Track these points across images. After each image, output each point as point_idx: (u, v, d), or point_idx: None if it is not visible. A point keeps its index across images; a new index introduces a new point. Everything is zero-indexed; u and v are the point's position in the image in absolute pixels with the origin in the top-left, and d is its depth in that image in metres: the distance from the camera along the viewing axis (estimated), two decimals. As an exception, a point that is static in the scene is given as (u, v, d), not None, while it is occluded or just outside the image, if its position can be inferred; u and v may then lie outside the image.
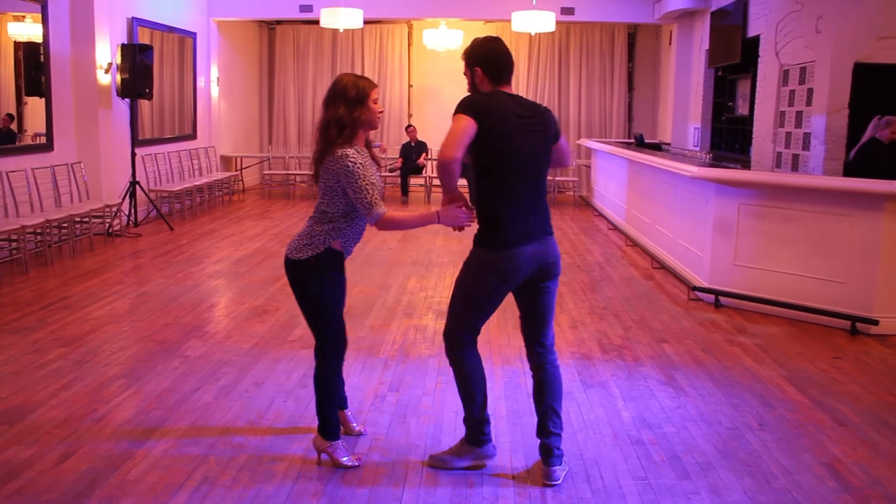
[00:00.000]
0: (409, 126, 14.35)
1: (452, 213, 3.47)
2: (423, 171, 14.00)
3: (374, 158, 3.66)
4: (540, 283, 3.62)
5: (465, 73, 3.55)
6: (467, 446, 3.65)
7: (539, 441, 3.61)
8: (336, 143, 3.48)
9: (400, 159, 14.05)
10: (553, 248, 3.63)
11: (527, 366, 5.08)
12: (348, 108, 3.50)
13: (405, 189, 13.80)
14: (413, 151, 13.95)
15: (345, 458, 3.66)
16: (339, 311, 3.71)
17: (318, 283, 3.60)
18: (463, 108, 3.34)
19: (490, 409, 4.32)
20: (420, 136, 14.06)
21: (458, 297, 3.59)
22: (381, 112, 3.64)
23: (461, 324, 3.59)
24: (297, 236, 3.64)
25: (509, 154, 3.40)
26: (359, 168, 3.42)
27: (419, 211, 3.56)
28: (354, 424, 4.01)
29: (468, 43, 3.59)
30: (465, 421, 3.65)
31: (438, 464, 3.65)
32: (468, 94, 3.50)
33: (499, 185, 3.43)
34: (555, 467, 3.55)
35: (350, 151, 3.45)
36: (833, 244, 6.08)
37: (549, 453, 3.57)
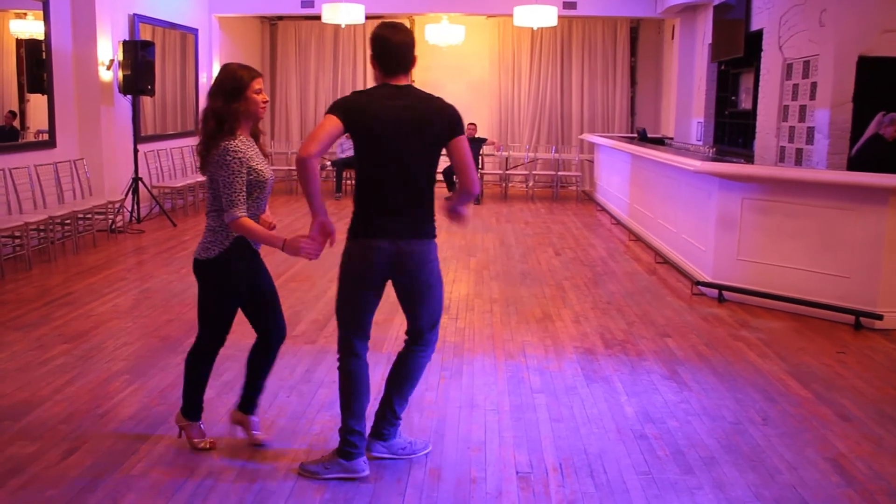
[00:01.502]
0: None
1: (296, 244, 3.38)
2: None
3: (261, 150, 3.64)
4: (397, 279, 3.52)
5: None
6: (336, 457, 3.50)
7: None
8: (218, 136, 3.44)
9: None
10: (411, 250, 3.46)
11: (530, 361, 5.10)
12: (226, 99, 3.46)
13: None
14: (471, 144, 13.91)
15: (196, 440, 3.75)
16: (230, 315, 3.68)
17: (223, 283, 3.59)
18: (331, 107, 3.32)
19: (493, 404, 4.33)
20: None
21: (338, 295, 3.54)
22: (265, 102, 3.55)
23: (343, 322, 3.52)
24: (202, 237, 3.60)
25: (374, 154, 3.36)
26: (235, 164, 3.38)
27: (270, 232, 3.51)
28: (256, 433, 3.83)
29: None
30: (344, 432, 3.50)
31: (307, 474, 3.50)
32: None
33: (365, 182, 3.42)
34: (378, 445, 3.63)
35: (231, 145, 3.41)
36: (837, 239, 6.06)
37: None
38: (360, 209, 3.42)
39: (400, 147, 3.35)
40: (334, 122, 3.27)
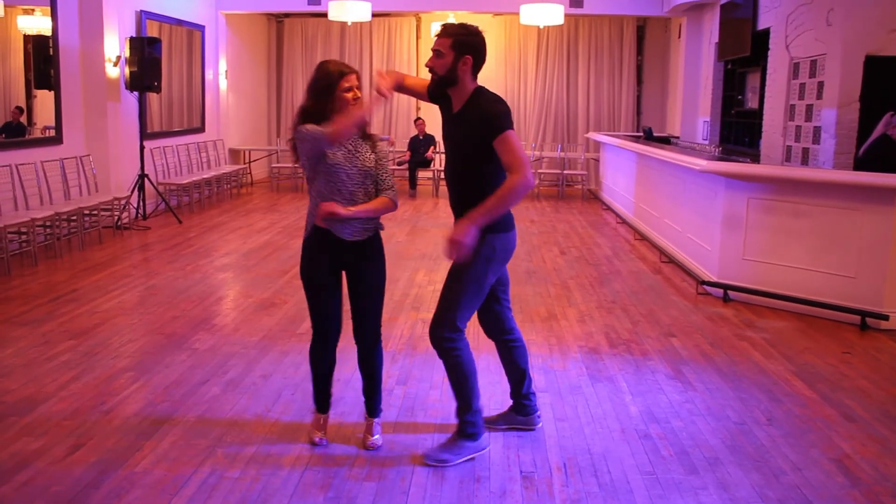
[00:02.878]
0: (418, 119, 14.33)
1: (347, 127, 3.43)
2: (432, 165, 13.97)
3: (370, 145, 3.65)
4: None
5: (441, 51, 3.49)
6: (460, 440, 3.67)
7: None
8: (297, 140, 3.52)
9: (408, 152, 14.02)
10: None
11: (534, 360, 5.10)
12: (316, 97, 3.49)
13: (413, 182, 13.79)
14: (421, 144, 13.93)
15: (314, 435, 3.81)
16: (321, 297, 3.67)
17: (304, 262, 3.67)
18: (508, 121, 3.43)
19: (497, 404, 4.34)
20: (428, 130, 14.03)
21: (462, 285, 3.58)
22: (356, 99, 3.52)
23: (461, 314, 3.59)
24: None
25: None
26: (303, 129, 3.43)
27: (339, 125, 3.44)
28: (374, 437, 3.81)
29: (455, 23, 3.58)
30: (467, 415, 3.67)
31: (437, 463, 3.61)
32: (438, 72, 3.52)
33: (501, 172, 3.49)
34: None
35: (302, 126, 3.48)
36: (843, 239, 6.04)
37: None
38: None
39: None
40: (517, 136, 3.48)
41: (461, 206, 3.60)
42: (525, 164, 3.39)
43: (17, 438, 3.79)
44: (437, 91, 3.68)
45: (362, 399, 3.89)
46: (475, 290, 3.60)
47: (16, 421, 3.99)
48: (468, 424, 3.67)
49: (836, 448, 3.87)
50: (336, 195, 3.53)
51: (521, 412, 3.98)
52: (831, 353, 5.36)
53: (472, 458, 3.67)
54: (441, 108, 3.74)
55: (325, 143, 3.43)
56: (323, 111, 3.47)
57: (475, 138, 3.46)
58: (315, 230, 3.57)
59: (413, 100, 15.66)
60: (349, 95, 3.49)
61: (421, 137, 13.97)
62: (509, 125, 3.43)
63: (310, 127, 3.44)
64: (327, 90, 3.47)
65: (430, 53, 3.59)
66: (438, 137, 14.06)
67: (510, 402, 4.04)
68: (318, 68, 3.56)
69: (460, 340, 3.60)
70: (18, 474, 3.44)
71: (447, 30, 3.54)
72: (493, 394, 4.49)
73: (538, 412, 4.01)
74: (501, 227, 3.55)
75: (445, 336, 3.58)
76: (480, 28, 3.60)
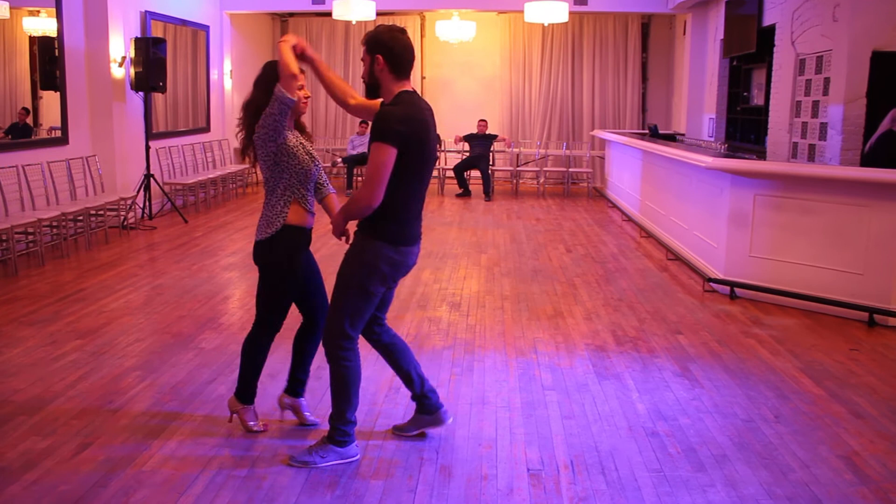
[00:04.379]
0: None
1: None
2: (436, 163, 13.96)
3: (306, 140, 3.79)
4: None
5: (362, 59, 3.50)
6: (328, 445, 3.61)
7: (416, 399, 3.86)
8: (255, 126, 3.61)
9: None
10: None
11: (541, 358, 5.10)
12: (266, 92, 3.57)
13: None
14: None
15: (251, 423, 3.88)
16: (295, 292, 3.81)
17: (280, 263, 3.72)
18: (390, 135, 3.27)
19: (504, 401, 4.34)
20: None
21: (353, 290, 3.51)
22: (306, 97, 3.65)
23: (355, 322, 3.54)
24: (259, 219, 3.80)
25: (423, 166, 3.47)
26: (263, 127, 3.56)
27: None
28: (307, 414, 4.01)
29: (373, 31, 3.52)
30: (341, 422, 3.61)
31: (299, 464, 3.56)
32: (364, 79, 3.50)
33: (407, 192, 3.44)
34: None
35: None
36: (850, 235, 6.02)
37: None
38: (398, 217, 3.45)
39: (434, 155, 3.55)
40: (392, 154, 3.30)
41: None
42: (376, 183, 3.27)
43: (25, 438, 3.80)
44: (368, 102, 3.69)
45: (368, 397, 3.89)
46: (359, 295, 3.49)
47: (24, 420, 4.00)
48: (338, 432, 3.58)
49: (844, 445, 3.86)
50: (305, 188, 3.71)
51: (425, 411, 3.85)
52: (839, 349, 5.35)
53: (340, 464, 3.57)
54: None
55: (287, 85, 3.49)
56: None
57: (371, 143, 3.39)
58: (286, 229, 3.67)
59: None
60: (301, 93, 3.61)
61: (403, 144, 13.87)
62: (391, 139, 3.26)
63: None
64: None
65: (434, 52, 3.60)
66: (443, 136, 14.08)
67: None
68: (266, 66, 3.67)
69: (352, 350, 3.54)
70: (27, 473, 3.45)
71: (364, 36, 3.51)
72: (500, 391, 4.48)
73: (443, 407, 3.87)
74: (391, 238, 3.44)
75: (338, 343, 3.52)
76: (401, 28, 3.54)
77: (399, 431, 3.92)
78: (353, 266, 3.49)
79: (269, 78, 3.61)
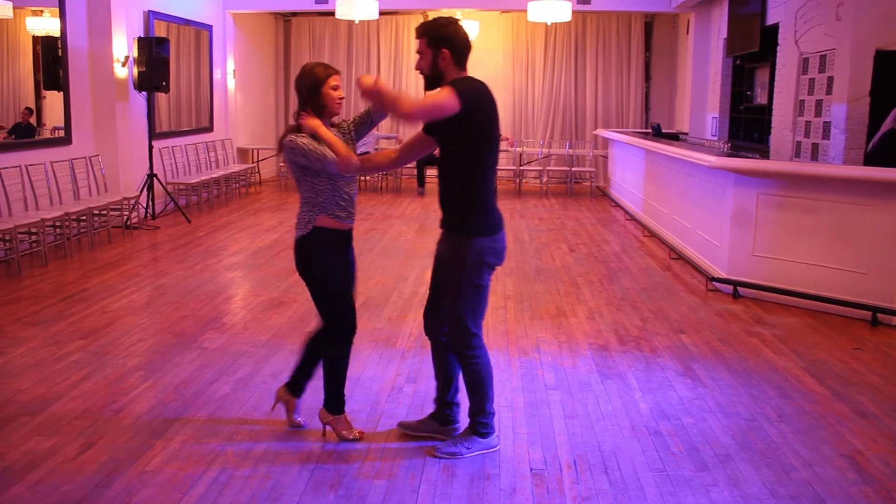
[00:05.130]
0: (482, 98, 14.27)
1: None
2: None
3: (351, 130, 3.81)
4: None
5: (419, 50, 3.54)
6: (472, 436, 3.71)
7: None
8: (293, 131, 3.63)
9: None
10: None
11: (544, 357, 5.10)
12: (304, 97, 3.62)
13: (421, 180, 13.77)
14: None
15: (345, 432, 3.82)
16: (347, 293, 3.77)
17: (315, 262, 3.69)
18: (461, 92, 3.37)
19: (507, 401, 4.34)
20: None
21: (467, 290, 3.58)
22: (340, 98, 3.68)
23: (476, 318, 3.63)
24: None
25: (493, 148, 3.59)
26: (299, 145, 3.54)
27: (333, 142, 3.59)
28: (296, 416, 3.97)
29: (427, 23, 3.58)
30: (482, 416, 3.70)
31: (447, 455, 3.66)
32: (424, 71, 3.54)
33: (486, 175, 3.55)
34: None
35: (291, 136, 3.59)
36: (854, 234, 6.01)
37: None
38: (485, 207, 3.56)
39: (499, 140, 3.62)
40: (453, 104, 3.36)
41: (443, 201, 3.64)
42: (423, 109, 3.37)
43: (28, 438, 3.81)
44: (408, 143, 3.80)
45: (372, 397, 3.89)
46: (474, 292, 3.59)
47: (27, 420, 4.01)
48: (480, 425, 3.70)
49: (847, 444, 3.85)
50: (332, 201, 3.68)
51: (443, 421, 3.86)
52: (842, 349, 5.34)
53: (482, 454, 3.68)
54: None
55: (333, 167, 3.55)
56: (315, 110, 3.61)
57: (450, 128, 3.46)
58: (316, 231, 3.65)
59: (420, 94, 15.65)
60: (336, 94, 3.64)
61: (465, 113, 13.88)
62: (461, 95, 3.34)
63: (306, 142, 3.55)
64: (315, 89, 3.61)
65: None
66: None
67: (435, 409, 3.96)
68: (303, 70, 3.68)
69: (480, 348, 3.64)
70: (30, 473, 3.45)
71: (420, 29, 3.56)
72: (503, 391, 4.49)
73: (457, 424, 3.86)
74: (484, 231, 3.55)
75: (467, 344, 3.60)
76: (456, 18, 3.64)
77: (406, 429, 3.93)
78: (459, 268, 3.56)
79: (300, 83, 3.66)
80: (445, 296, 3.64)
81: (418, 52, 3.56)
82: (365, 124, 3.84)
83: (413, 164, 13.82)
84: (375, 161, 4.03)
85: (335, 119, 3.78)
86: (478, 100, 3.44)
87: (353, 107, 15.65)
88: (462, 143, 3.48)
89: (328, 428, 3.85)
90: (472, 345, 3.61)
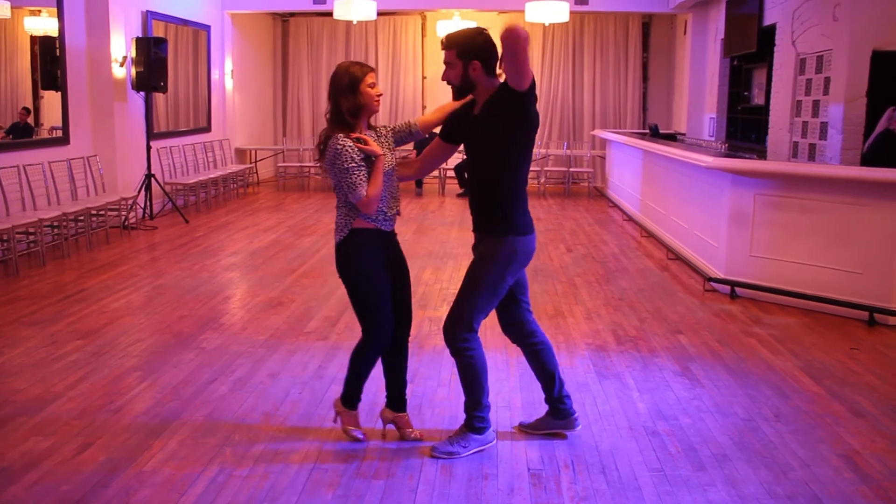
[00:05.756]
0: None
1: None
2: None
3: (390, 137, 3.78)
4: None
5: (448, 61, 3.55)
6: (467, 433, 3.72)
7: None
8: (336, 131, 3.57)
9: (414, 151, 13.99)
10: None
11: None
12: (343, 96, 3.56)
13: (419, 181, 13.78)
14: (427, 143, 13.89)
15: (351, 429, 3.82)
16: (383, 295, 3.70)
17: (351, 265, 3.66)
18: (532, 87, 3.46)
19: (505, 401, 4.35)
20: (434, 129, 14.00)
21: (487, 288, 3.62)
22: (379, 96, 3.65)
23: (481, 313, 3.66)
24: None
25: (530, 150, 3.69)
26: (346, 151, 3.49)
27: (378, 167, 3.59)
28: (409, 429, 3.89)
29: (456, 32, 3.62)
30: (478, 410, 3.72)
31: (444, 455, 3.67)
32: (454, 83, 3.58)
33: (523, 177, 3.66)
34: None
35: (339, 136, 3.53)
36: (851, 234, 6.02)
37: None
38: (521, 206, 3.62)
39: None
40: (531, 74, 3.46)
41: (480, 210, 3.65)
42: (526, 70, 3.39)
43: (26, 438, 3.81)
44: (453, 122, 3.80)
45: (370, 397, 3.88)
46: (492, 291, 3.63)
47: (25, 421, 4.01)
48: (476, 419, 3.71)
49: (844, 444, 3.86)
50: (387, 196, 3.67)
51: (558, 416, 3.90)
52: (839, 348, 5.35)
53: (481, 451, 3.70)
54: (459, 127, 3.75)
55: (353, 198, 3.53)
56: (351, 108, 3.56)
57: (503, 122, 3.50)
58: (355, 232, 3.61)
59: (419, 98, 15.68)
60: (373, 91, 3.60)
61: (427, 136, 13.92)
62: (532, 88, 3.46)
63: (355, 158, 3.51)
64: (353, 87, 3.56)
65: (442, 63, 3.67)
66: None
67: (545, 407, 3.99)
68: (338, 70, 3.62)
69: (474, 340, 3.65)
70: (28, 474, 3.46)
71: (450, 40, 3.58)
72: (500, 391, 4.50)
73: (576, 414, 3.92)
74: (522, 230, 3.61)
75: (461, 336, 3.62)
76: (484, 27, 3.65)
77: (526, 429, 3.96)
78: (489, 266, 3.59)
79: (337, 84, 3.61)
80: (462, 288, 3.66)
81: (446, 62, 3.58)
82: (404, 137, 3.84)
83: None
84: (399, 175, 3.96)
85: (372, 120, 3.77)
86: (534, 103, 3.57)
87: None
88: (509, 143, 3.54)
89: (339, 420, 3.87)
90: (464, 338, 3.61)
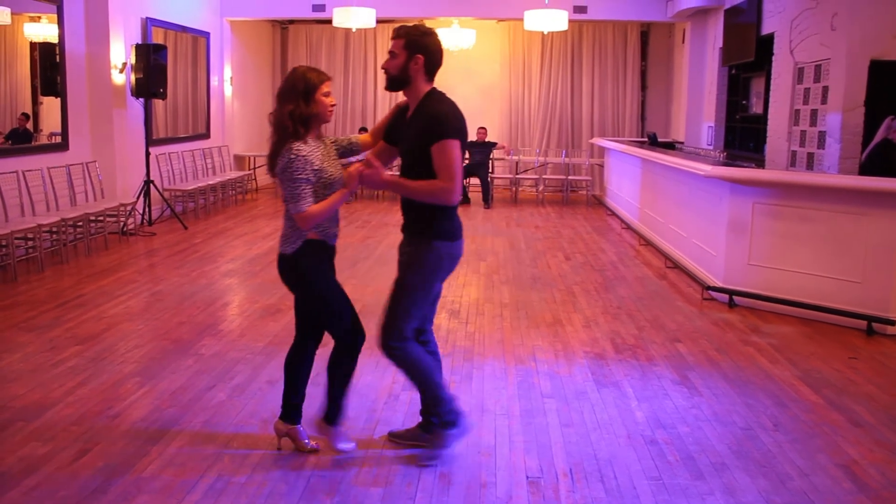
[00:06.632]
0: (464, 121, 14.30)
1: (354, 174, 3.45)
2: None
3: (333, 149, 3.71)
4: None
5: (394, 52, 3.51)
6: (446, 431, 3.68)
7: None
8: (285, 140, 3.48)
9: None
10: None
11: (540, 365, 5.10)
12: (298, 103, 3.47)
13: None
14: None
15: (304, 441, 3.76)
16: (344, 301, 3.68)
17: (310, 276, 3.61)
18: (453, 132, 3.43)
19: (503, 409, 4.35)
20: (370, 147, 13.96)
21: (420, 293, 3.60)
22: (332, 105, 3.58)
23: (414, 316, 3.62)
24: (281, 233, 3.67)
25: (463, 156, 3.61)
26: (299, 164, 3.42)
27: (333, 195, 3.52)
28: (306, 441, 3.80)
29: (401, 28, 3.58)
30: (441, 405, 3.67)
31: (429, 462, 3.64)
32: (391, 72, 3.53)
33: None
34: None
35: (298, 148, 3.45)
36: (849, 243, 6.03)
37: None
38: (444, 214, 3.55)
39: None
40: (458, 147, 3.46)
41: (410, 211, 3.60)
42: (455, 177, 3.40)
43: (24, 443, 3.80)
44: (392, 122, 3.74)
45: (368, 404, 3.87)
46: (422, 297, 3.61)
47: (23, 426, 4.00)
48: (445, 413, 3.67)
49: (842, 453, 3.86)
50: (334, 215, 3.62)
51: (428, 430, 3.81)
52: (838, 358, 5.35)
53: (464, 454, 3.68)
54: (395, 129, 3.72)
55: (294, 211, 3.46)
56: (306, 115, 3.48)
57: (422, 142, 3.44)
58: (308, 244, 3.55)
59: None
60: (328, 100, 3.54)
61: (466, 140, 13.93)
62: (453, 134, 3.41)
63: (307, 170, 3.44)
64: (308, 94, 3.48)
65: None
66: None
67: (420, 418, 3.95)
68: (293, 73, 3.55)
69: (409, 343, 3.60)
70: (26, 479, 3.45)
71: (400, 31, 3.55)
72: (499, 399, 4.49)
73: (449, 430, 3.77)
74: (450, 236, 3.57)
75: (393, 345, 3.56)
76: (434, 29, 3.64)
77: (395, 438, 3.92)
78: (417, 272, 3.57)
79: (292, 89, 3.52)
80: (393, 295, 3.61)
81: (390, 51, 3.54)
82: (345, 153, 3.77)
83: None
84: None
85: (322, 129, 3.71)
86: (462, 127, 3.51)
87: (345, 115, 15.74)
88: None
89: (282, 442, 3.78)
90: (397, 346, 3.55)
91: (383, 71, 3.59)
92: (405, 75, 3.52)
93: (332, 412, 3.73)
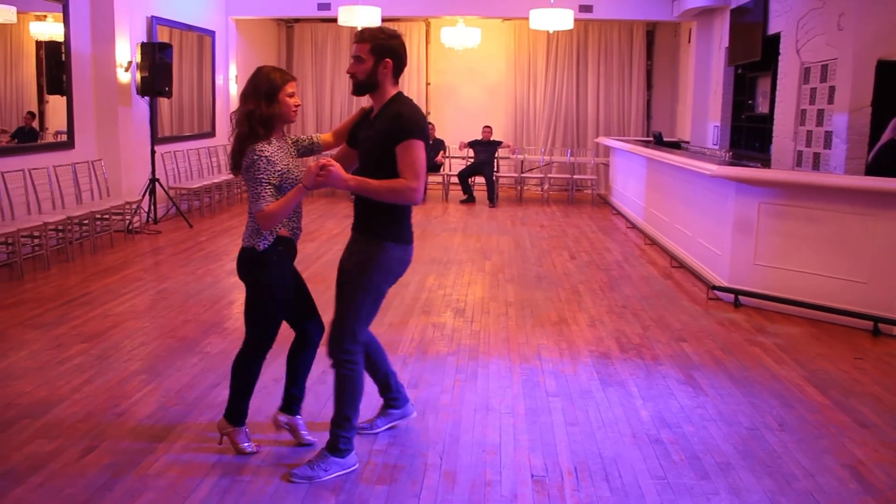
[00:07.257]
0: (428, 124, 14.32)
1: (313, 176, 3.36)
2: (441, 169, 13.97)
3: (294, 149, 3.70)
4: None
5: (360, 56, 3.46)
6: (329, 456, 3.56)
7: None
8: (250, 140, 3.46)
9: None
10: None
11: (545, 364, 5.10)
12: (260, 102, 3.46)
13: (466, 189, 13.71)
14: (431, 149, 13.91)
15: (245, 445, 3.73)
16: (286, 309, 3.68)
17: (271, 274, 3.59)
18: (418, 133, 3.43)
19: (508, 407, 4.35)
20: (438, 134, 14.04)
21: (371, 294, 3.55)
22: (297, 106, 3.57)
23: (362, 325, 3.58)
24: (245, 230, 3.65)
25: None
26: (262, 164, 3.41)
27: (290, 193, 3.47)
28: (304, 433, 3.85)
29: (372, 30, 3.56)
30: (345, 430, 3.58)
31: (303, 480, 3.48)
32: (359, 77, 3.49)
33: None
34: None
35: (263, 149, 3.44)
36: (855, 244, 6.02)
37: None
38: (400, 216, 3.53)
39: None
40: (423, 148, 3.46)
41: (365, 210, 3.56)
42: (420, 177, 3.38)
43: (31, 440, 3.81)
44: (357, 125, 3.71)
45: (374, 402, 3.87)
46: (373, 300, 3.56)
47: (30, 423, 4.01)
48: (342, 440, 3.55)
49: (849, 454, 3.86)
50: (294, 213, 3.63)
51: (394, 406, 4.01)
52: (844, 358, 5.34)
53: (341, 475, 3.53)
54: (358, 131, 3.69)
55: (255, 209, 3.47)
56: (269, 116, 3.47)
57: (386, 142, 3.41)
58: (279, 240, 3.56)
59: (423, 105, 15.69)
60: (292, 101, 3.53)
61: (430, 142, 13.95)
62: (418, 135, 3.40)
63: (269, 171, 3.42)
64: (271, 95, 3.47)
65: (439, 59, 3.62)
66: (448, 141, 14.12)
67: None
68: (258, 73, 3.53)
69: (358, 354, 3.56)
70: (33, 476, 3.46)
71: (365, 34, 3.51)
72: (504, 398, 4.49)
73: (409, 401, 4.05)
74: (403, 239, 3.54)
75: (347, 348, 3.52)
76: (400, 32, 3.64)
77: (364, 432, 3.94)
78: (367, 271, 3.51)
79: (255, 90, 3.50)
80: (343, 297, 3.57)
81: (355, 56, 3.50)
82: (305, 152, 3.77)
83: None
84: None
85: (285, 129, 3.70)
86: (426, 129, 3.52)
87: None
88: (393, 154, 3.42)
89: (225, 438, 3.75)
90: (350, 350, 3.51)
91: (349, 76, 3.54)
92: (373, 80, 3.49)
93: (231, 411, 3.72)
